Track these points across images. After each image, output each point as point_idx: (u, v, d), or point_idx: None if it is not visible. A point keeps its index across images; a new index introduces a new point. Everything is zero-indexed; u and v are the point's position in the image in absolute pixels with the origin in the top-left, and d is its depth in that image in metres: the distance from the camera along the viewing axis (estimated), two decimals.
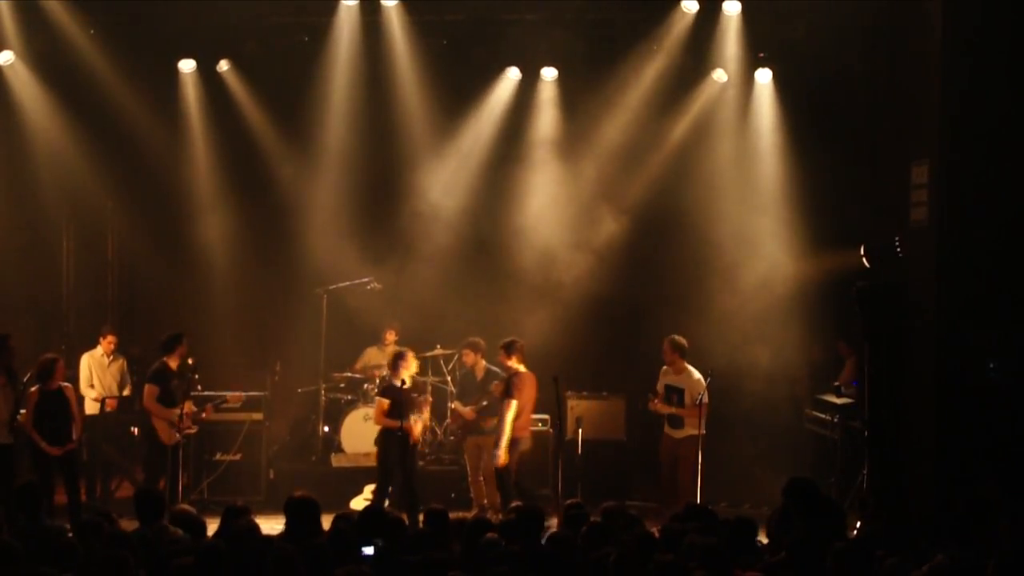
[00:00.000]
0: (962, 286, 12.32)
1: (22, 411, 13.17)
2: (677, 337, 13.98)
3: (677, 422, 13.89)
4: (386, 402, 13.52)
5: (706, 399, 13.48)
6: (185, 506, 10.62)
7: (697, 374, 13.84)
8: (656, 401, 13.99)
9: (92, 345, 15.01)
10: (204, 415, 14.23)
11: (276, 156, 16.54)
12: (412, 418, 13.47)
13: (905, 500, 10.28)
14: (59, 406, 13.15)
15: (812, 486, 9.21)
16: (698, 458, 13.45)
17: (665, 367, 14.08)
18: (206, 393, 14.75)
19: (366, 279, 16.00)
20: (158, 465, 13.65)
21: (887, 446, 13.00)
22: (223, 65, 16.28)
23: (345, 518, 9.16)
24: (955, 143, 12.44)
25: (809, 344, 15.55)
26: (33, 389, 13.22)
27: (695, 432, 13.64)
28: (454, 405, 14.76)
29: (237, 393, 14.85)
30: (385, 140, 16.38)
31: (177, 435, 13.61)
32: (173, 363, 13.85)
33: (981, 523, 8.28)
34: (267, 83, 16.28)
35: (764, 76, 16.01)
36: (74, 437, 13.27)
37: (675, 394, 13.92)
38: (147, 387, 13.83)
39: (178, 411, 13.58)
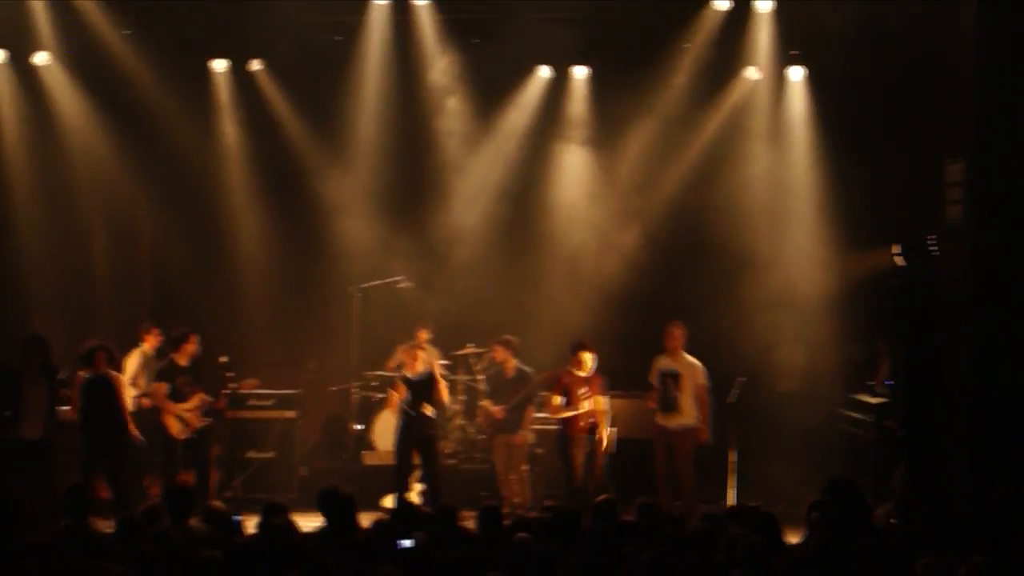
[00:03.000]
0: (997, 284, 12.23)
1: (64, 407, 13.27)
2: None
3: (670, 405, 13.82)
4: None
5: (705, 382, 13.42)
6: (216, 503, 10.65)
7: (692, 359, 13.83)
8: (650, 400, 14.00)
9: (127, 341, 15.02)
10: (218, 406, 14.26)
11: (308, 155, 16.56)
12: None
13: (941, 500, 10.23)
14: (105, 392, 13.26)
15: (854, 486, 9.16)
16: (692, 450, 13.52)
17: (660, 356, 14.05)
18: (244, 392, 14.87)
19: (398, 277, 16.02)
20: (169, 460, 13.76)
21: (922, 446, 12.91)
22: (255, 65, 16.33)
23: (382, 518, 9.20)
24: (990, 140, 12.34)
25: (842, 343, 15.48)
26: (80, 373, 13.36)
27: (691, 422, 13.62)
28: (484, 404, 14.73)
29: (252, 380, 14.92)
30: (417, 139, 16.39)
31: (187, 430, 13.72)
32: (181, 360, 13.90)
33: (1018, 523, 8.23)
34: (299, 82, 16.32)
35: (796, 73, 15.97)
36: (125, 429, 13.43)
37: (670, 377, 13.87)
38: (155, 384, 13.93)
39: (186, 406, 13.70)
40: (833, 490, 9.02)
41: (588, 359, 13.67)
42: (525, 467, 14.48)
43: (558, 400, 13.74)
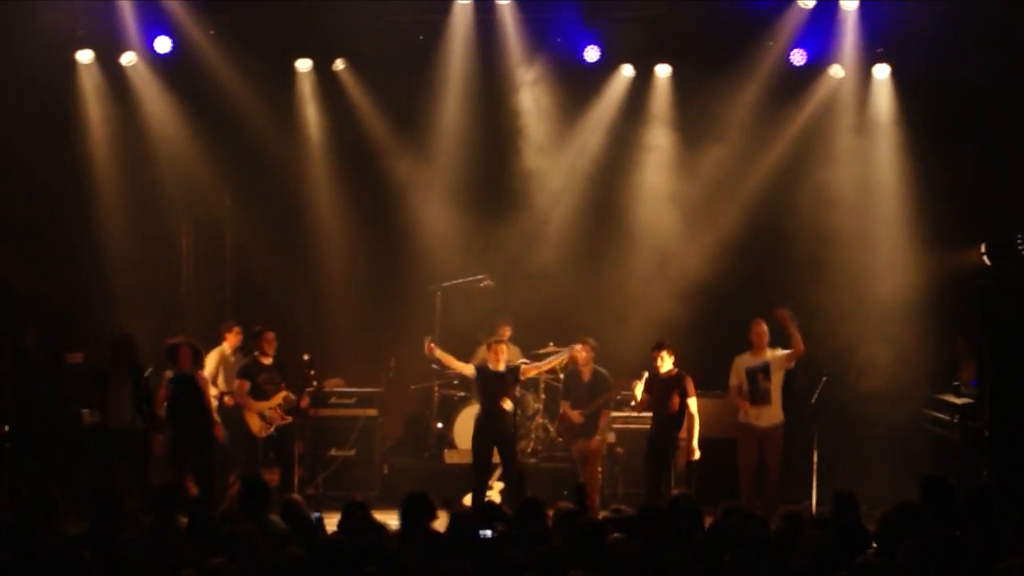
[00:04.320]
0: None
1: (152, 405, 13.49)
2: None
3: (762, 398, 13.73)
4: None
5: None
6: (296, 497, 10.72)
7: (777, 351, 13.75)
8: (744, 404, 13.89)
9: (211, 340, 15.18)
10: (301, 404, 14.35)
11: (391, 154, 16.64)
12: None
13: None
14: (190, 392, 13.41)
15: (949, 485, 9.05)
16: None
17: (743, 354, 13.96)
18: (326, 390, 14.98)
19: (479, 276, 16.04)
20: (251, 458, 13.93)
21: (1009, 447, 12.72)
22: (339, 64, 16.43)
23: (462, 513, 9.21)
24: None
25: (927, 343, 15.30)
26: (167, 373, 13.55)
27: (781, 420, 13.56)
28: (564, 406, 14.60)
29: (336, 379, 15.03)
30: (499, 137, 16.41)
31: (268, 428, 13.84)
32: (264, 358, 14.03)
33: None
34: (382, 81, 16.39)
35: (882, 71, 15.81)
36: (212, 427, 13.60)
37: (760, 372, 13.78)
38: (237, 382, 14.06)
39: (268, 404, 13.83)
40: (926, 489, 8.89)
41: (667, 359, 13.60)
42: (599, 470, 14.42)
43: (639, 390, 13.72)
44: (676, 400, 13.45)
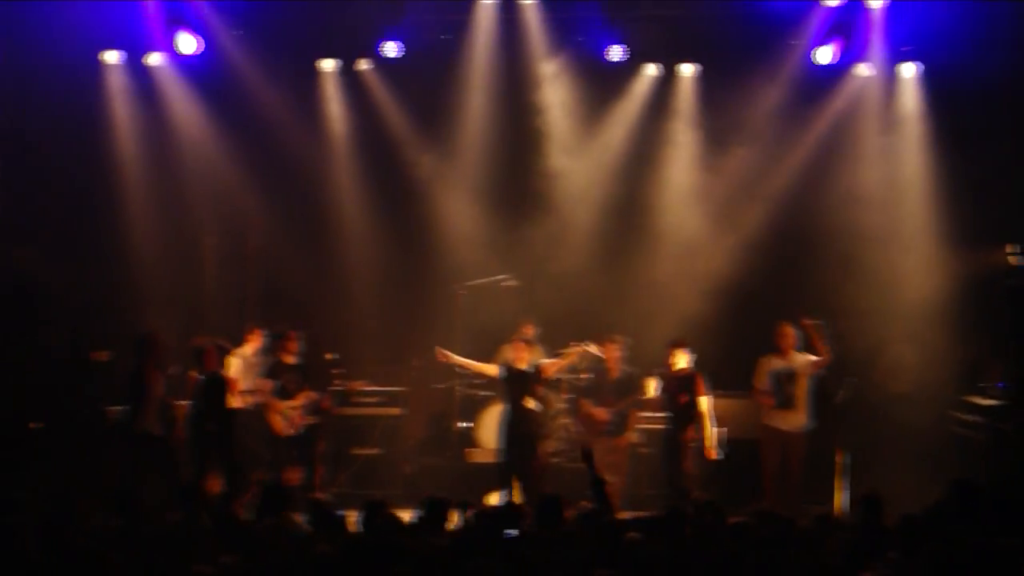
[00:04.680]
0: None
1: (182, 402, 13.51)
2: None
3: (787, 403, 13.68)
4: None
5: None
6: (320, 495, 10.74)
7: (805, 356, 13.70)
8: (769, 400, 13.86)
9: (236, 340, 15.21)
10: (325, 404, 14.38)
11: (415, 153, 16.64)
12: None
13: None
14: (216, 392, 13.45)
15: (977, 487, 9.00)
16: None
17: (770, 356, 13.91)
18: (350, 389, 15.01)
19: (503, 276, 16.04)
20: (275, 457, 13.95)
21: None
22: (363, 64, 16.45)
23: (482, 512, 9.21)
24: None
25: (954, 344, 15.23)
26: (191, 373, 13.55)
27: (806, 424, 13.53)
28: (584, 405, 14.52)
29: (360, 381, 15.03)
30: (523, 136, 16.40)
31: (292, 427, 13.86)
32: (287, 358, 14.04)
33: None
34: (406, 81, 16.40)
35: (908, 70, 15.76)
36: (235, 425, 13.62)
37: (785, 376, 13.74)
38: (260, 381, 14.10)
39: (292, 404, 13.84)
40: (956, 491, 8.85)
41: (680, 357, 13.59)
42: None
43: (652, 387, 13.73)
44: (685, 397, 13.45)
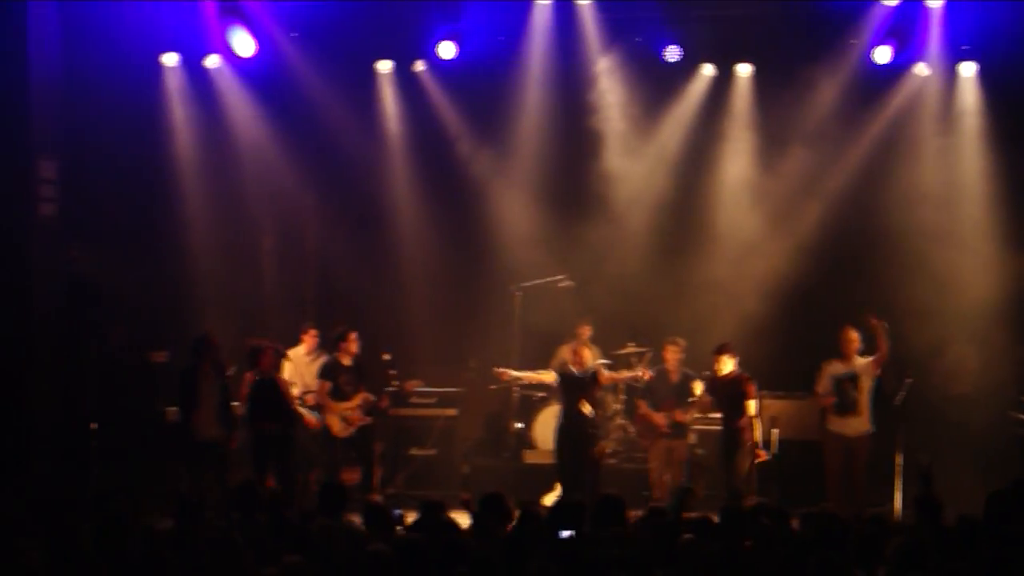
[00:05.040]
0: None
1: (235, 403, 13.57)
2: None
3: (849, 408, 13.60)
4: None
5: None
6: (376, 496, 10.78)
7: (866, 358, 13.62)
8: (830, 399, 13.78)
9: (292, 340, 15.30)
10: (381, 405, 14.42)
11: (471, 154, 16.66)
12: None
13: None
14: (271, 393, 13.51)
15: None
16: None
17: (832, 361, 13.82)
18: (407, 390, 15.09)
19: (559, 277, 16.04)
20: (331, 458, 14.01)
21: None
22: (419, 65, 16.49)
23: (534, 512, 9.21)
24: None
25: (1015, 344, 15.09)
26: (248, 374, 13.61)
27: (869, 428, 13.45)
28: (641, 407, 14.40)
29: (415, 381, 15.09)
30: (579, 137, 16.38)
31: (348, 428, 13.91)
32: (344, 358, 14.07)
33: None
34: (462, 82, 16.42)
35: (968, 69, 15.62)
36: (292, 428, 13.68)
37: (848, 381, 13.65)
38: (318, 383, 14.12)
39: (348, 404, 13.88)
40: (1016, 492, 8.77)
41: (727, 362, 13.54)
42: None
43: (698, 390, 13.82)
44: (735, 401, 13.44)
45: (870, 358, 13.62)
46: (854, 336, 13.70)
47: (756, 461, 13.42)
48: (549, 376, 14.14)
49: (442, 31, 15.87)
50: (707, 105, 16.33)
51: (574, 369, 13.79)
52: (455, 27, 15.88)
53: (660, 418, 14.02)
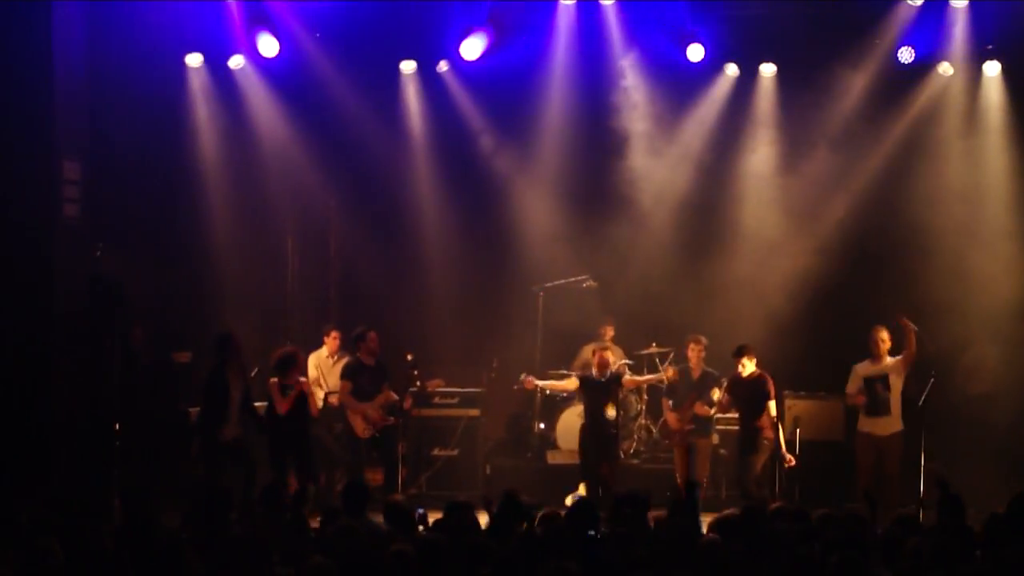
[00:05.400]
0: None
1: (258, 403, 13.57)
2: None
3: (881, 409, 13.55)
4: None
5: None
6: (398, 497, 10.77)
7: (895, 359, 13.56)
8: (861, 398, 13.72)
9: (315, 341, 15.32)
10: (404, 405, 14.40)
11: (494, 154, 16.65)
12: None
13: None
14: (298, 400, 13.49)
15: None
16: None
17: (862, 362, 13.78)
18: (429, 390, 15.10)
19: (582, 277, 16.03)
20: (354, 458, 14.02)
21: None
22: (443, 65, 16.49)
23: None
24: None
25: None
26: (273, 381, 13.51)
27: (900, 429, 13.41)
28: (665, 408, 14.44)
29: (438, 380, 15.12)
30: (602, 137, 16.36)
31: (371, 429, 13.90)
32: (367, 359, 14.07)
33: None
34: (486, 82, 16.41)
35: (992, 68, 15.56)
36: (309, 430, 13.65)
37: (879, 382, 13.60)
38: (340, 383, 14.12)
39: (371, 405, 13.89)
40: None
41: (745, 364, 13.50)
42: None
43: (717, 392, 13.78)
44: (758, 401, 13.38)
45: (898, 357, 13.59)
46: (885, 336, 13.67)
47: (786, 467, 13.38)
48: (573, 384, 14.23)
49: (466, 32, 15.85)
50: (731, 105, 16.30)
51: (595, 373, 13.81)
52: (479, 27, 15.85)
53: (674, 421, 13.99)
